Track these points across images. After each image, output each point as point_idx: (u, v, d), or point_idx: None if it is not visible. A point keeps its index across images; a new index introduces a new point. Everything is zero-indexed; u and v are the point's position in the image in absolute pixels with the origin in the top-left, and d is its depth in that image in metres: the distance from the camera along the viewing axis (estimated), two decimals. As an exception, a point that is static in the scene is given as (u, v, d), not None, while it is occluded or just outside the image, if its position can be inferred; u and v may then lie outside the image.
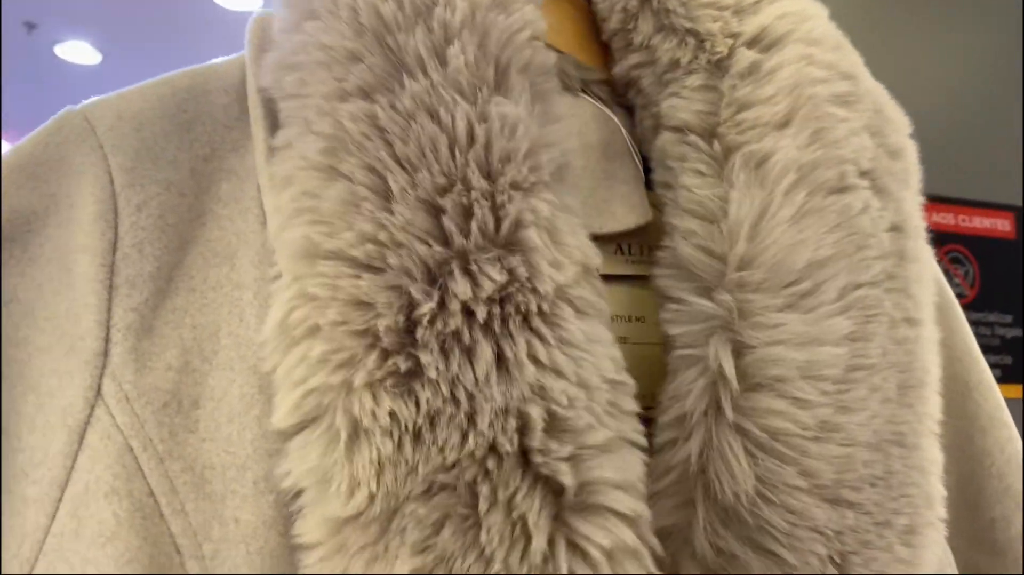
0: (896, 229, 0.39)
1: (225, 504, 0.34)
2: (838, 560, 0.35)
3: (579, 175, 0.44)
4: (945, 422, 0.51)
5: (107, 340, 0.35)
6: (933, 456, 0.38)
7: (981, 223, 1.93)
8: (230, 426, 0.35)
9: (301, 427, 0.32)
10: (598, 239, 0.44)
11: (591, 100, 0.47)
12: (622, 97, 0.47)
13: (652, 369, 0.41)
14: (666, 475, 0.37)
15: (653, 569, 0.32)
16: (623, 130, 0.46)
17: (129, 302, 0.35)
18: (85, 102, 0.38)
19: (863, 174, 0.39)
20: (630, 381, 0.35)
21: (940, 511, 0.38)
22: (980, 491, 0.50)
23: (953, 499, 0.51)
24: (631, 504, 0.32)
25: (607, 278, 0.44)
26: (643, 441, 0.34)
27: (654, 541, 0.33)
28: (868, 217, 0.38)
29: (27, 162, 0.37)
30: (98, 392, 0.34)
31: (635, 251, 0.46)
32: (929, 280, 0.41)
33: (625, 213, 0.44)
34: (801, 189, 0.38)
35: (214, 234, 0.38)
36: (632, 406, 0.34)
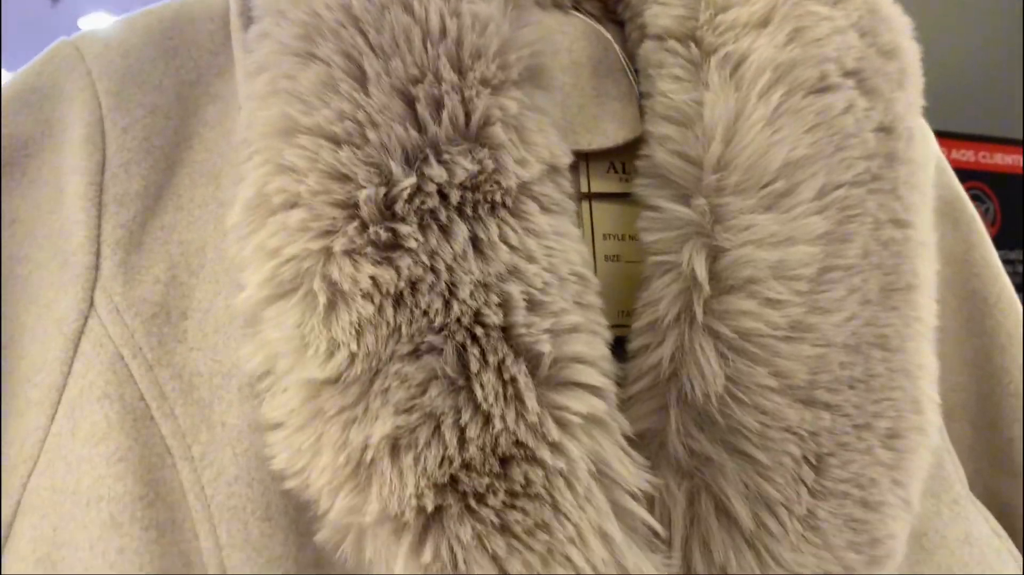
0: (884, 130, 0.38)
1: (212, 409, 0.36)
2: (813, 461, 0.35)
3: (567, 90, 0.43)
4: (963, 339, 0.50)
5: (97, 255, 0.37)
6: (921, 361, 0.37)
7: (1002, 160, 1.82)
8: (216, 336, 0.37)
9: (274, 299, 0.32)
10: (590, 156, 0.44)
11: (583, 17, 0.46)
12: (614, 13, 0.46)
13: (645, 286, 0.41)
14: (639, 380, 0.37)
15: (623, 443, 0.33)
16: (616, 46, 0.46)
17: (117, 219, 0.37)
18: (76, 33, 0.40)
19: (848, 74, 0.38)
20: (594, 279, 0.35)
21: (931, 417, 0.37)
22: (998, 410, 0.48)
23: (972, 418, 0.49)
24: (599, 378, 0.33)
25: (600, 196, 0.45)
26: (608, 335, 0.34)
27: (621, 418, 0.34)
28: (852, 117, 0.37)
29: (23, 90, 0.39)
30: (90, 304, 0.36)
31: (628, 169, 0.45)
32: (923, 184, 0.39)
33: (615, 129, 0.44)
34: (777, 89, 0.37)
35: (200, 155, 0.39)
36: (597, 302, 0.35)
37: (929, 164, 0.41)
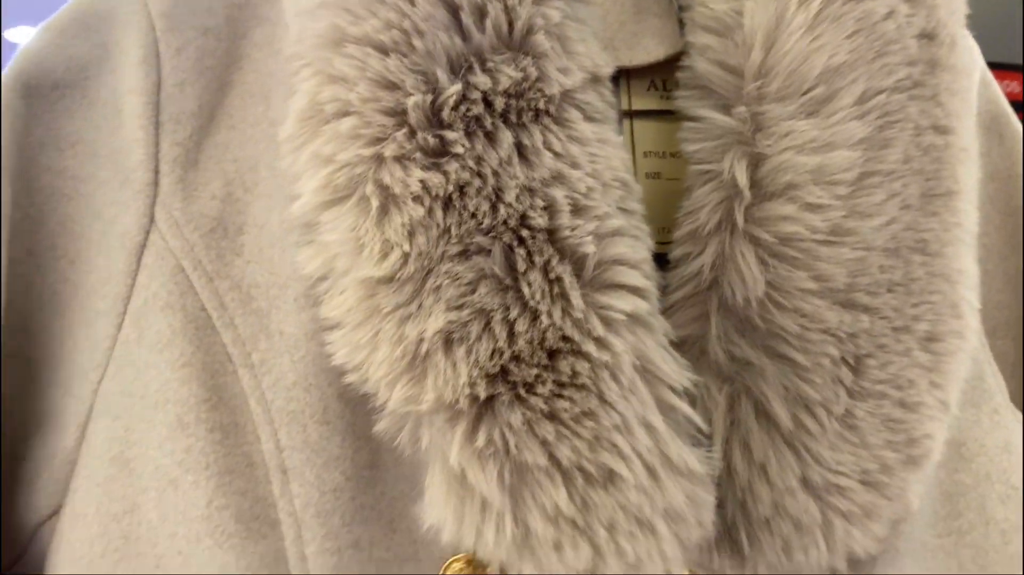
0: (927, 36, 0.38)
1: (270, 318, 0.38)
2: (852, 362, 0.36)
3: (607, 7, 0.44)
4: (1007, 256, 0.50)
5: (156, 171, 0.38)
6: (961, 266, 0.37)
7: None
8: (272, 249, 0.38)
9: (330, 205, 0.33)
10: (630, 74, 0.45)
11: (622, -65, 0.46)
12: (654, -71, 0.46)
13: (685, 203, 0.42)
14: (680, 288, 0.38)
15: (665, 343, 0.34)
16: (655, -36, 0.46)
17: (174, 137, 0.38)
18: (130, -43, 0.41)
19: None
20: (636, 186, 0.36)
21: (970, 322, 0.38)
22: (1043, 324, 0.48)
23: (1016, 336, 0.50)
24: (641, 280, 0.34)
25: (640, 113, 0.45)
26: (649, 241, 0.35)
27: (663, 321, 0.35)
28: (893, 23, 0.37)
29: (80, 15, 0.40)
30: (151, 219, 0.38)
31: (669, 86, 0.46)
32: (966, 91, 0.39)
33: (655, 45, 0.44)
34: None
35: (250, 76, 0.40)
36: (639, 208, 0.35)
37: (972, 73, 0.40)
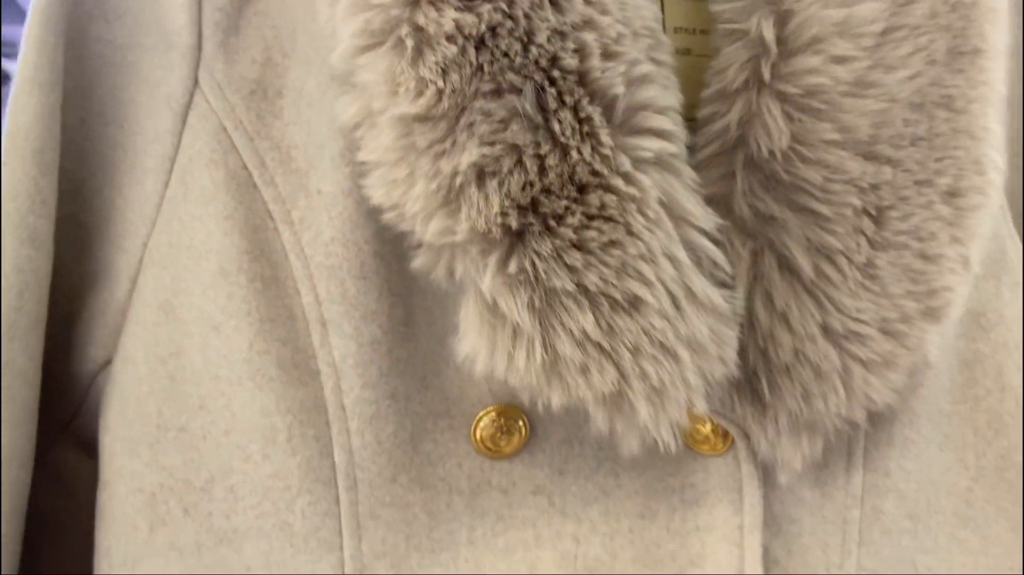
0: None
1: (308, 178, 0.39)
2: (874, 213, 0.36)
3: None
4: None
5: (199, 35, 0.40)
6: (987, 124, 0.38)
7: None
8: (309, 111, 0.40)
9: (367, 49, 0.34)
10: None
11: None
12: None
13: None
14: (708, 146, 0.38)
15: (691, 175, 0.36)
16: None
17: (215, 2, 0.40)
18: None
19: None
20: (666, 39, 0.36)
21: (993, 178, 0.38)
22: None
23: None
24: (669, 125, 0.35)
25: (670, -9, 0.46)
26: (679, 94, 0.36)
27: (690, 171, 0.36)
28: None
29: None
30: (195, 81, 0.40)
31: (698, -37, 0.46)
32: None
33: (683, -80, 0.45)
34: None
35: None
36: (668, 60, 0.36)
37: None
